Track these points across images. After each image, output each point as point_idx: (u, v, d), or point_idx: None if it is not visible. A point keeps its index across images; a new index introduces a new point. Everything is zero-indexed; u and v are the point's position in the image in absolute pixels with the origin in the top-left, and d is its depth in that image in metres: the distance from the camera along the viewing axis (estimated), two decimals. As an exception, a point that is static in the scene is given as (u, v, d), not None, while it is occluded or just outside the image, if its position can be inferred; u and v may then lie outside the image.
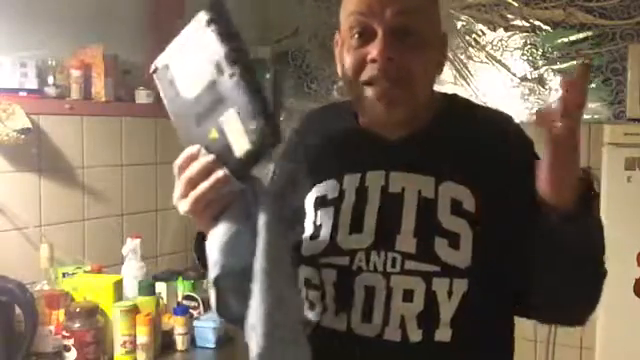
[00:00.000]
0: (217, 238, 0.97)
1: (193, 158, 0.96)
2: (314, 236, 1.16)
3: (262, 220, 0.94)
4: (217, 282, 0.99)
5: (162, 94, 1.01)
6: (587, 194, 1.00)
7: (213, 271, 0.98)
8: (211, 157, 0.94)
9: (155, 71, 1.02)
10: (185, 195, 0.97)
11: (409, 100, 1.10)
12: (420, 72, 1.09)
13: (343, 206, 1.14)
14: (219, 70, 0.92)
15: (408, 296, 1.08)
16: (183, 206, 0.98)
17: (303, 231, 1.18)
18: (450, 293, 1.07)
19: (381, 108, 1.09)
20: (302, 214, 1.19)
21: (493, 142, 1.15)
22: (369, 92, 1.09)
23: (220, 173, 0.94)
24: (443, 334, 1.08)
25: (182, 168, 0.97)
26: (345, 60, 1.12)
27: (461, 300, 1.07)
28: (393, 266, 1.08)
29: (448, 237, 1.08)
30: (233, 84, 0.91)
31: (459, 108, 1.21)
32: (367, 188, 1.13)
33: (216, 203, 0.97)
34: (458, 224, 1.09)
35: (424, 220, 1.09)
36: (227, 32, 0.92)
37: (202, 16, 0.94)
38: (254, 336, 0.95)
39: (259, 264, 0.94)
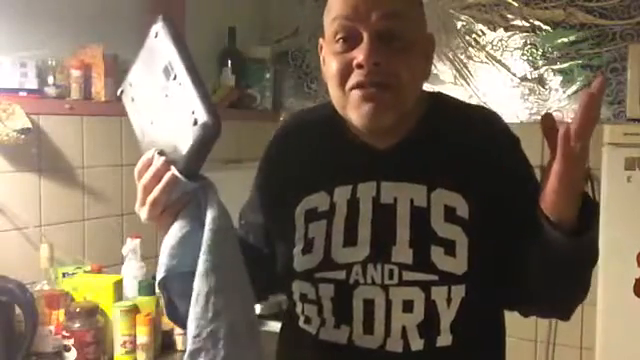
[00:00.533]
0: (167, 240, 0.97)
1: (149, 164, 0.95)
2: (307, 250, 1.13)
3: (208, 218, 0.94)
4: (163, 284, 0.99)
5: (128, 114, 1.03)
6: (590, 207, 0.99)
7: (159, 273, 0.97)
8: (161, 160, 0.94)
9: (121, 94, 1.04)
10: (143, 202, 0.96)
11: (397, 105, 1.07)
12: (408, 76, 1.07)
13: (335, 219, 1.12)
14: (167, 74, 0.94)
15: (408, 307, 1.07)
16: (142, 214, 0.97)
17: (292, 245, 1.16)
18: (449, 300, 1.07)
19: (368, 111, 1.06)
20: (289, 228, 1.17)
21: (481, 144, 1.14)
22: (356, 96, 1.06)
23: (169, 174, 0.93)
24: (444, 340, 1.08)
25: (140, 175, 0.97)
26: (330, 66, 1.09)
27: (459, 305, 1.07)
28: (391, 278, 1.08)
29: (444, 245, 1.07)
30: (177, 85, 0.93)
31: (445, 109, 1.19)
32: (358, 200, 1.12)
33: (172, 206, 0.96)
34: (453, 231, 1.08)
35: (419, 230, 1.08)
36: (172, 39, 0.95)
37: (152, 30, 0.97)
38: (188, 335, 0.95)
39: (200, 261, 0.93)
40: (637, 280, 2.28)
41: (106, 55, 2.29)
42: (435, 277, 1.06)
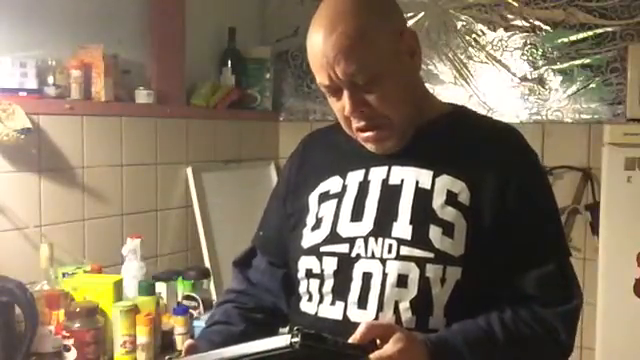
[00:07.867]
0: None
1: None
2: (315, 227, 1.21)
3: None
4: None
5: None
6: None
7: None
8: None
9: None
10: None
11: (396, 131, 1.18)
12: (393, 106, 1.16)
13: (345, 198, 1.20)
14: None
15: (402, 281, 1.11)
16: None
17: (304, 227, 1.23)
18: (443, 280, 1.11)
19: (376, 148, 1.19)
20: (304, 214, 1.25)
21: (494, 150, 1.19)
22: (361, 138, 1.20)
23: None
24: (436, 322, 1.11)
25: None
26: (335, 112, 1.21)
27: (454, 288, 1.11)
28: (389, 252, 1.13)
29: (442, 226, 1.13)
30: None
31: (465, 116, 1.27)
32: (369, 181, 1.20)
33: None
34: (452, 214, 1.13)
35: (420, 209, 1.15)
36: None
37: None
38: None
39: None
40: (637, 280, 2.29)
41: (106, 55, 2.29)
42: (431, 254, 1.11)
